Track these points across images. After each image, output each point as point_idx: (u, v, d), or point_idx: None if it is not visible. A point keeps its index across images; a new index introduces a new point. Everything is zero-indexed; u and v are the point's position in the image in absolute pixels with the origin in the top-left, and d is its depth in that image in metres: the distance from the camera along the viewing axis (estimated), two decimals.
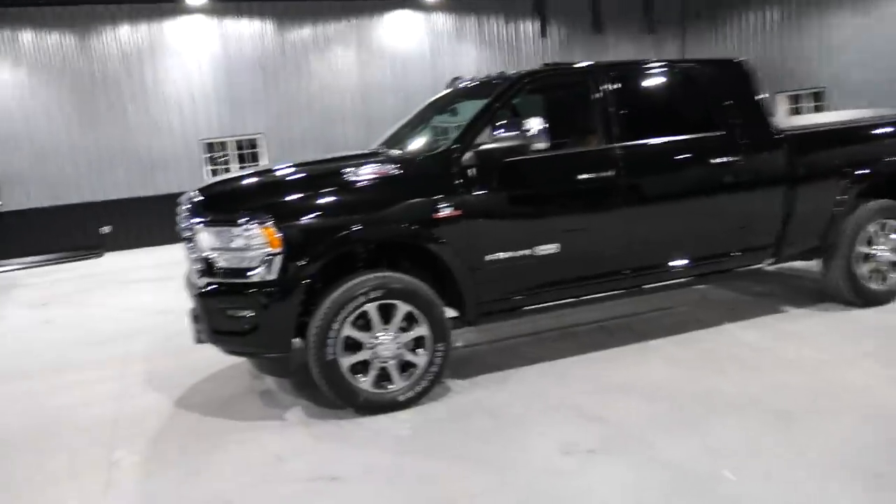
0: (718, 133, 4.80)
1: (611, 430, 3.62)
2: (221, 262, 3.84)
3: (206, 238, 3.87)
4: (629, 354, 4.77)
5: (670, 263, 4.74)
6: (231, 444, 3.74)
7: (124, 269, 10.60)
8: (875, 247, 5.42)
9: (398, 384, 4.01)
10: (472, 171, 4.08)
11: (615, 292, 4.65)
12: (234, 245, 3.78)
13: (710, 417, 3.69)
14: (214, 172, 13.47)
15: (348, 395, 3.91)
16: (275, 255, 3.71)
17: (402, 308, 3.95)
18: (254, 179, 4.41)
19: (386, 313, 3.94)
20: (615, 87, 4.54)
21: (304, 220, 3.80)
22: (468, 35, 14.96)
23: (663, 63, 4.91)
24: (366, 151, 4.93)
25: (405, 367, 4.04)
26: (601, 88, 4.51)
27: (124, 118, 12.97)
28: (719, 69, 5.04)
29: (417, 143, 4.94)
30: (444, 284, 4.16)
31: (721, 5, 15.77)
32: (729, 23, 15.74)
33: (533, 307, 4.42)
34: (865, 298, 5.42)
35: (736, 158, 4.79)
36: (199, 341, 4.32)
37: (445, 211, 4.00)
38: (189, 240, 4.11)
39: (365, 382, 3.95)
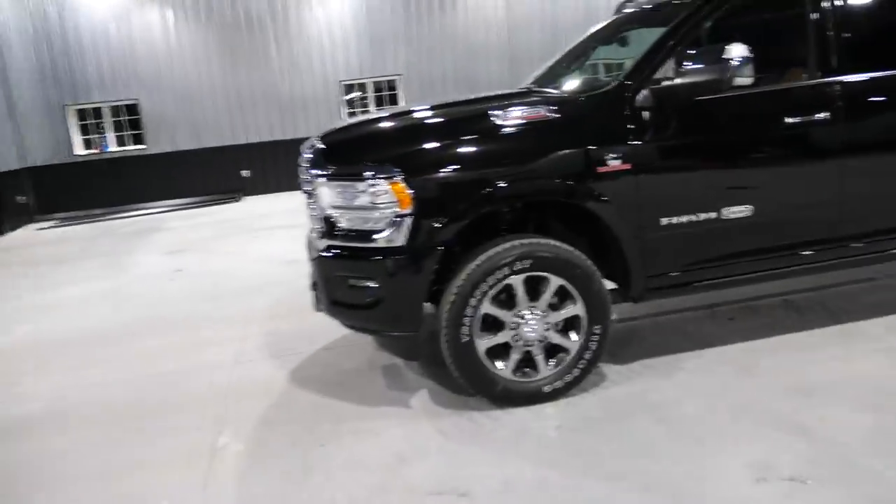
0: None
1: (818, 449, 2.79)
2: (343, 222, 3.29)
3: (327, 194, 3.32)
4: (830, 341, 3.83)
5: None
6: (346, 435, 3.24)
7: (261, 215, 10.59)
8: None
9: (543, 372, 3.35)
10: (647, 115, 3.25)
11: (822, 264, 3.68)
12: (357, 203, 3.20)
13: None
14: (352, 115, 13.21)
15: (484, 382, 3.30)
16: (405, 215, 3.09)
17: (554, 281, 3.25)
18: (383, 125, 3.76)
19: (533, 287, 3.26)
20: (832, 4, 3.48)
21: (441, 174, 3.14)
22: None
23: None
24: (515, 91, 4.17)
25: (553, 351, 3.37)
26: (816, 6, 3.47)
27: (266, 60, 12.88)
28: None
29: (576, 81, 4.13)
30: (605, 253, 3.42)
31: None
32: None
33: (714, 282, 3.56)
34: None
35: None
36: (318, 310, 3.87)
37: (612, 163, 3.21)
38: (309, 194, 3.60)
39: (504, 369, 3.32)
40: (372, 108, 13.29)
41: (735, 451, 2.85)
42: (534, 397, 3.35)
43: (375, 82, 13.19)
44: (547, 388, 3.35)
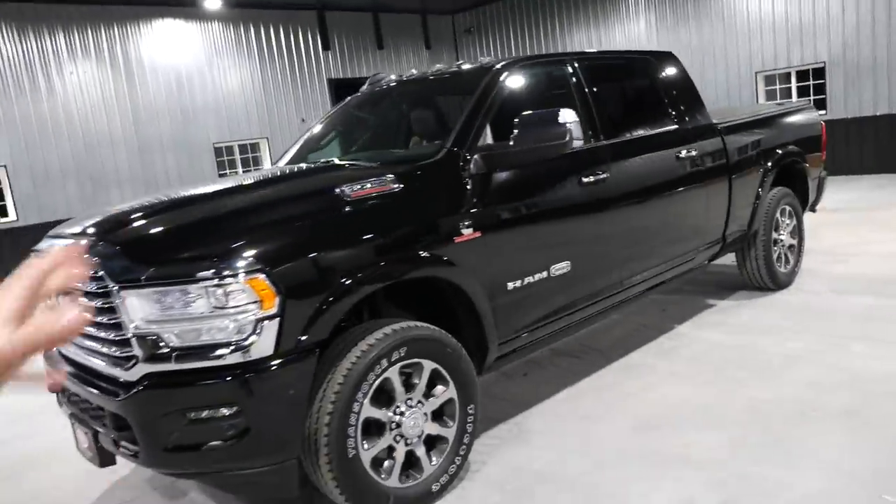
0: (673, 125, 4.48)
1: (712, 473, 2.99)
2: (173, 339, 2.48)
3: (141, 305, 2.48)
4: (622, 376, 4.20)
5: (652, 269, 4.27)
6: None
7: None
8: (780, 232, 5.56)
9: (428, 469, 2.97)
10: (483, 180, 3.21)
11: (613, 305, 4.05)
12: (196, 311, 2.45)
13: (797, 430, 3.24)
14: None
15: (372, 499, 2.78)
16: (269, 317, 2.47)
17: (427, 367, 2.94)
18: (205, 208, 3.01)
19: (405, 377, 2.90)
20: (593, 78, 3.95)
21: (309, 261, 2.60)
22: (244, 45, 13.47)
23: (623, 53, 4.47)
24: (316, 165, 3.74)
25: (430, 444, 3.02)
26: (581, 79, 3.89)
27: None
28: (659, 60, 4.72)
29: (373, 153, 3.88)
30: (454, 328, 3.22)
31: (484, 22, 16.27)
32: (492, 36, 16.28)
33: (551, 337, 3.64)
34: (777, 283, 5.52)
35: (694, 152, 4.49)
36: (105, 464, 2.89)
37: (465, 231, 3.06)
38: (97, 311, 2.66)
39: (391, 478, 2.85)
40: None
41: (654, 496, 2.88)
42: (424, 499, 2.95)
43: None
44: (435, 487, 2.98)
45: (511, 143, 3.23)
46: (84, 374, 2.85)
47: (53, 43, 11.30)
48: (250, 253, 2.49)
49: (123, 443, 2.66)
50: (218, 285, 2.43)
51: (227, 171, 13.43)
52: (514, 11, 15.68)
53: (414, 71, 4.43)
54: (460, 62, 4.04)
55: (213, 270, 2.44)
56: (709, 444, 3.26)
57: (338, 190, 2.89)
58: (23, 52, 11.00)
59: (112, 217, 2.91)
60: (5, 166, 10.89)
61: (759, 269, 5.41)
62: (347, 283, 2.65)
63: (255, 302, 2.45)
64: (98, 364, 2.73)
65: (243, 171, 13.39)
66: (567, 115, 3.17)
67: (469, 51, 16.55)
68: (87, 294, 2.62)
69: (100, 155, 11.76)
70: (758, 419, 3.45)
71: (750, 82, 12.70)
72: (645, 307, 5.40)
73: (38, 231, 10.96)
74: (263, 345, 2.47)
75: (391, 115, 4.37)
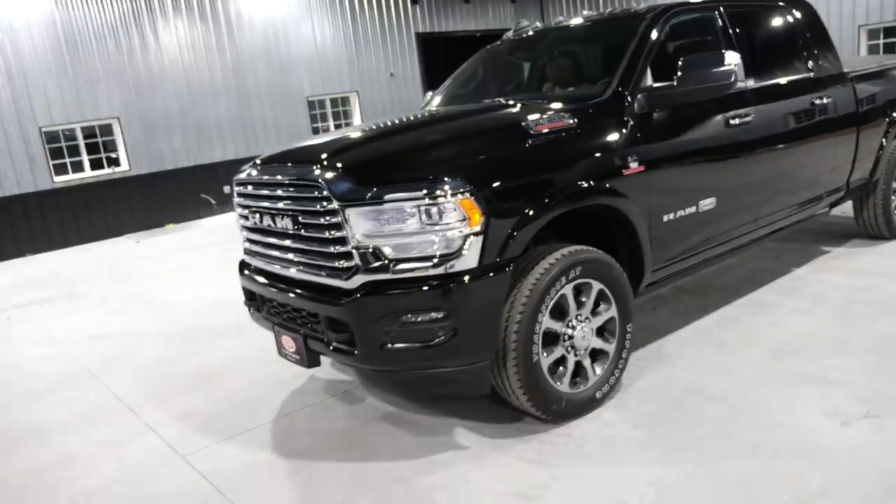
0: (809, 72, 4.62)
1: (851, 391, 3.25)
2: (389, 251, 2.87)
3: (363, 221, 2.87)
4: (750, 312, 4.43)
5: (789, 208, 4.50)
6: (431, 495, 2.84)
7: None
8: None
9: (592, 379, 3.32)
10: (645, 119, 3.49)
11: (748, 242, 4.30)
12: (411, 227, 2.83)
13: None
14: None
15: (548, 401, 3.15)
16: (475, 233, 2.83)
17: (595, 287, 3.27)
18: (411, 137, 3.43)
19: (576, 296, 3.23)
20: (737, 23, 4.16)
21: (506, 185, 2.95)
22: (335, 2, 13.80)
23: (760, 2, 4.64)
24: (491, 104, 4.11)
25: (593, 357, 3.36)
26: (727, 24, 4.10)
27: None
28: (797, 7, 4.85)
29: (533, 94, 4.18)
30: (615, 255, 3.52)
31: None
32: None
33: (694, 267, 3.93)
34: (893, 232, 5.61)
35: (828, 99, 4.63)
36: (312, 364, 3.32)
37: (633, 165, 3.35)
38: (302, 226, 3.08)
39: (563, 384, 3.21)
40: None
41: (798, 406, 3.17)
42: (588, 405, 3.30)
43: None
44: (598, 395, 3.33)
45: (675, 83, 3.47)
46: (294, 286, 3.27)
47: None
48: (459, 176, 2.84)
49: (337, 344, 3.08)
50: (432, 204, 2.80)
51: (320, 125, 13.91)
52: None
53: (560, 18, 4.67)
54: (610, 9, 4.27)
55: (427, 190, 2.80)
56: (845, 368, 3.51)
57: (523, 123, 3.21)
58: (131, 5, 11.57)
59: (330, 145, 3.30)
60: (118, 118, 11.60)
61: (878, 217, 5.51)
62: (539, 206, 2.99)
63: (464, 220, 2.81)
64: (313, 277, 3.14)
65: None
66: (731, 58, 3.39)
67: (554, 6, 16.47)
68: (310, 213, 3.02)
69: (203, 105, 12.35)
70: (888, 349, 3.67)
71: (852, 36, 12.32)
72: (760, 253, 5.58)
73: (148, 180, 11.74)
74: (470, 258, 2.84)
75: (539, 60, 4.64)
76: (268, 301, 3.58)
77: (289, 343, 3.39)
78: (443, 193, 2.80)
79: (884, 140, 5.30)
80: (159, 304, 6.64)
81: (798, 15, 4.85)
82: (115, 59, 11.45)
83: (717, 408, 3.26)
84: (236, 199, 3.63)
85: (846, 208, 5.73)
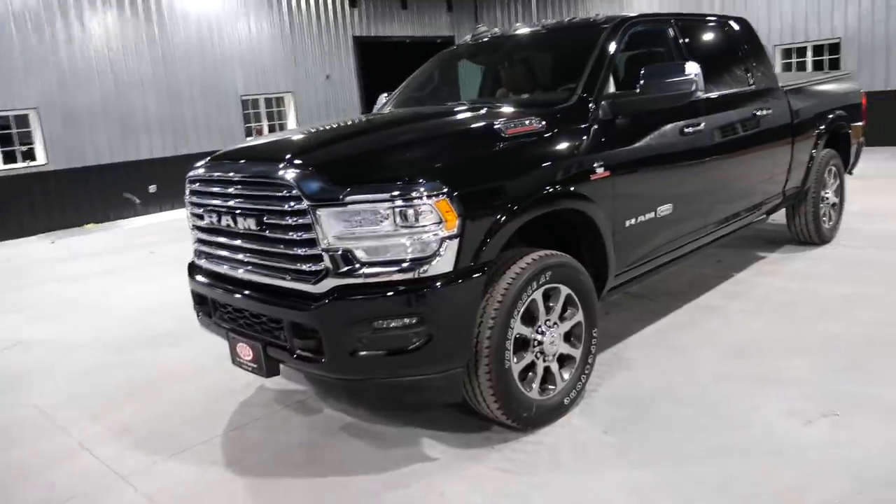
0: (750, 85, 4.78)
1: (806, 391, 3.35)
2: (361, 254, 2.75)
3: (334, 223, 2.74)
4: (700, 316, 4.55)
5: (733, 215, 4.62)
6: None
7: None
8: (826, 191, 5.90)
9: (559, 385, 3.30)
10: (608, 126, 3.50)
11: (697, 248, 4.40)
12: (384, 230, 2.72)
13: (872, 355, 3.63)
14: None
15: (519, 408, 3.09)
16: (451, 237, 2.75)
17: (564, 292, 3.24)
18: (380, 136, 3.30)
19: (544, 300, 3.20)
20: (688, 36, 4.25)
21: (483, 187, 2.88)
22: (272, 1, 13.46)
23: (708, 16, 4.77)
24: (455, 106, 4.02)
25: (561, 362, 3.34)
26: (679, 37, 4.18)
27: None
28: (738, 24, 5.01)
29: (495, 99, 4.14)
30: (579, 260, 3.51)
31: None
32: (513, 1, 16.35)
33: (651, 272, 3.97)
34: (822, 238, 5.89)
35: (767, 111, 4.79)
36: (271, 373, 3.17)
37: (599, 171, 3.35)
38: (262, 228, 2.93)
39: (532, 390, 3.17)
40: None
41: (761, 406, 3.24)
42: (557, 411, 3.27)
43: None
44: (566, 400, 3.31)
45: (637, 91, 3.50)
46: (254, 290, 3.11)
47: None
48: (436, 178, 2.75)
49: (301, 351, 2.93)
50: (408, 206, 2.70)
51: (253, 124, 13.52)
52: None
53: (518, 25, 4.66)
54: (571, 18, 4.29)
55: (403, 192, 2.70)
56: (796, 367, 3.63)
57: (495, 126, 3.15)
58: None
59: (297, 142, 3.14)
60: (36, 109, 10.91)
61: (808, 224, 5.77)
62: (514, 209, 2.94)
63: (440, 222, 2.73)
64: (276, 280, 2.99)
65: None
66: (692, 68, 3.44)
67: (490, 14, 16.61)
68: (276, 213, 2.87)
69: (129, 99, 11.80)
70: (833, 348, 3.83)
71: (770, 54, 12.93)
72: (702, 259, 5.72)
73: (67, 176, 11.09)
74: (445, 262, 2.76)
75: (497, 65, 4.60)
76: (221, 306, 3.39)
77: (245, 351, 3.22)
78: (419, 195, 2.70)
79: (814, 151, 5.55)
80: (84, 309, 6.23)
81: (738, 30, 5.02)
82: (35, 48, 10.78)
83: (684, 409, 3.29)
84: (189, 198, 3.42)
85: (777, 216, 5.96)
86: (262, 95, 13.52)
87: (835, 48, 12.29)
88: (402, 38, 15.44)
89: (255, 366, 3.18)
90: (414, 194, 2.70)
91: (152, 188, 12.12)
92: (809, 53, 12.66)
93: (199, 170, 3.39)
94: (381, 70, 14.84)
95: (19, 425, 3.85)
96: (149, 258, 8.35)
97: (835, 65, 12.29)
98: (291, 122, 13.96)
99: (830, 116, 5.73)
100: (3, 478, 3.30)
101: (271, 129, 13.74)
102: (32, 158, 11.11)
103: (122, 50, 11.66)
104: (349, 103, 14.63)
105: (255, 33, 13.16)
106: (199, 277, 3.49)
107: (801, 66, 12.78)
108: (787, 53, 12.96)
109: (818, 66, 12.59)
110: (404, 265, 2.74)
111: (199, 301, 3.55)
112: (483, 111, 3.63)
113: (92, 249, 9.32)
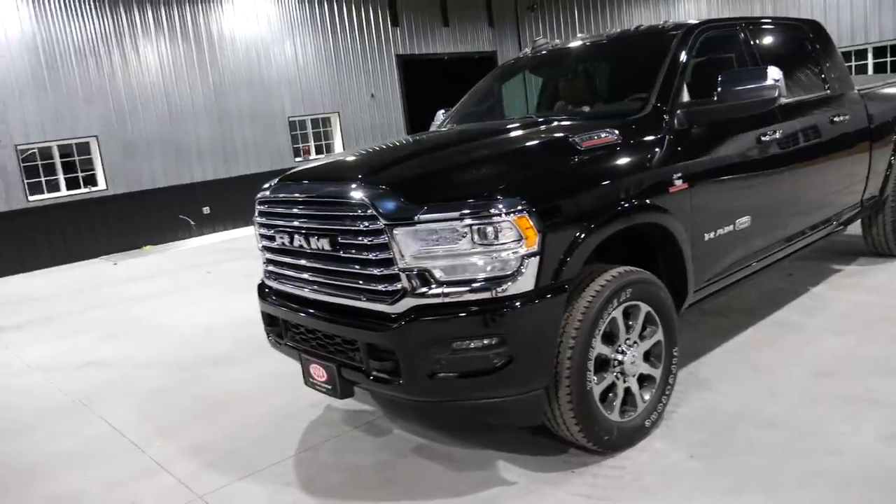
0: (826, 91, 4.60)
1: None
2: (439, 273, 2.69)
3: (411, 242, 2.69)
4: (778, 333, 4.34)
5: (811, 226, 4.44)
6: None
7: None
8: None
9: (640, 406, 3.17)
10: (684, 135, 3.39)
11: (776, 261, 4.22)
12: (463, 248, 2.65)
13: None
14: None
15: (600, 431, 2.98)
16: (531, 254, 2.67)
17: (644, 309, 3.12)
18: (454, 152, 3.26)
19: (624, 319, 3.09)
20: (761, 41, 4.12)
21: (563, 203, 2.80)
22: (318, 21, 13.65)
23: (778, 20, 4.62)
24: (523, 119, 3.97)
25: (641, 383, 3.21)
26: (751, 42, 4.06)
27: None
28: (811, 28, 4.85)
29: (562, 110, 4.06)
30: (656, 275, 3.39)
31: (548, 1, 16.27)
32: (554, 13, 16.27)
33: (729, 287, 3.82)
34: None
35: (845, 117, 4.60)
36: (345, 395, 3.11)
37: (677, 182, 3.24)
38: (337, 249, 2.89)
39: (613, 412, 3.05)
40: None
41: (855, 430, 3.05)
42: (638, 434, 3.15)
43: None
44: (647, 423, 3.18)
45: (714, 98, 3.38)
46: (328, 311, 3.07)
47: (142, 16, 11.58)
48: (515, 194, 2.68)
49: (378, 373, 2.87)
50: (487, 223, 2.63)
51: (300, 145, 13.68)
52: None
53: (580, 35, 4.59)
54: (637, 26, 4.19)
55: (482, 209, 2.64)
56: (892, 389, 3.41)
57: (570, 139, 3.07)
58: (113, 25, 11.30)
59: (368, 160, 3.11)
60: (97, 136, 11.23)
61: (886, 235, 5.50)
62: (594, 224, 2.84)
63: (520, 240, 2.65)
64: (351, 301, 2.94)
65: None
66: (774, 73, 3.31)
67: (532, 29, 16.57)
68: (351, 232, 2.84)
69: (183, 126, 12.06)
70: None
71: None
72: (771, 273, 5.50)
73: (125, 200, 11.36)
74: (526, 280, 2.67)
75: (561, 77, 4.53)
76: (293, 327, 3.37)
77: (318, 372, 3.18)
78: (497, 212, 2.63)
79: (892, 158, 5.30)
80: (149, 328, 6.32)
81: (811, 33, 4.84)
82: (94, 78, 11.13)
83: (772, 434, 3.12)
84: (259, 219, 3.41)
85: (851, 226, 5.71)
86: (308, 116, 13.68)
87: None
88: (443, 55, 15.49)
89: (329, 387, 3.14)
90: (492, 211, 2.63)
91: (206, 210, 12.34)
92: (870, 56, 12.25)
93: (268, 191, 3.38)
94: (424, 87, 14.94)
95: (97, 443, 3.90)
96: (206, 278, 8.46)
97: None
98: (338, 142, 14.09)
99: None
100: (86, 496, 3.33)
101: (318, 150, 13.88)
102: (94, 184, 11.42)
103: (175, 77, 11.95)
104: (394, 121, 14.71)
105: (300, 55, 13.35)
106: (270, 298, 3.48)
107: (861, 70, 12.37)
108: (845, 57, 12.54)
109: (880, 68, 12.16)
110: (484, 284, 2.67)
111: (270, 322, 3.53)
112: (553, 124, 3.56)
113: (151, 270, 9.50)
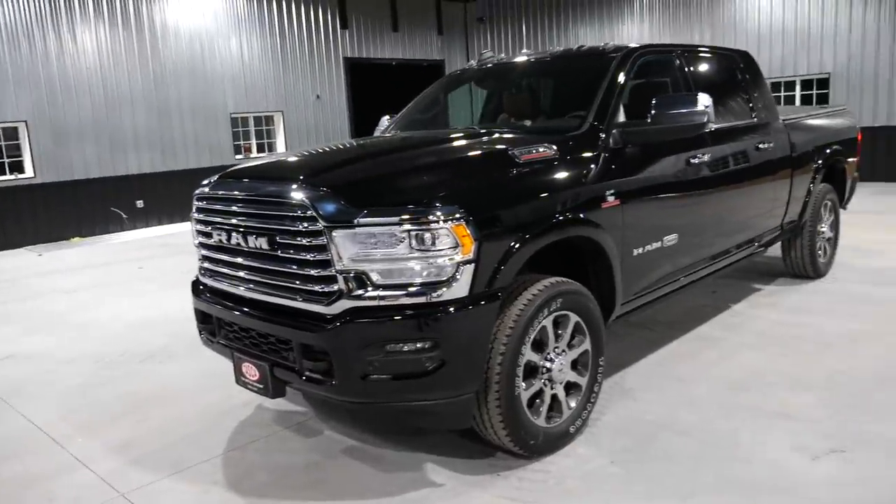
0: (753, 118, 4.85)
1: (813, 426, 3.35)
2: (376, 277, 2.74)
3: (349, 245, 2.72)
4: (699, 346, 4.55)
5: (734, 246, 4.66)
6: None
7: None
8: (822, 225, 5.98)
9: (566, 413, 3.28)
10: (618, 154, 3.53)
11: (699, 278, 4.41)
12: (400, 253, 2.71)
13: (879, 393, 3.63)
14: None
15: (527, 436, 3.07)
16: (467, 262, 2.74)
17: (573, 319, 3.24)
18: (394, 159, 3.31)
19: (554, 328, 3.20)
20: (694, 68, 4.30)
21: (498, 213, 2.88)
22: (265, 18, 13.50)
23: (712, 48, 4.83)
24: (466, 130, 4.03)
25: (567, 390, 3.32)
26: (686, 68, 4.23)
27: None
28: (742, 58, 5.09)
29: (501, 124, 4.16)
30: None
31: (497, 12, 16.53)
32: (503, 27, 16.54)
33: (654, 301, 3.98)
34: (817, 271, 5.95)
35: (769, 144, 4.86)
36: (277, 395, 3.12)
37: (610, 199, 3.37)
38: (274, 248, 2.90)
39: (539, 418, 3.15)
40: None
41: (766, 441, 3.23)
42: (562, 440, 3.25)
43: None
44: (572, 429, 3.29)
45: (648, 120, 3.53)
46: (263, 310, 3.07)
47: None
48: (453, 202, 2.75)
49: (310, 373, 2.89)
50: (425, 229, 2.69)
51: (242, 142, 13.49)
52: (526, 4, 15.95)
53: (524, 51, 4.71)
54: (579, 46, 4.33)
55: (420, 215, 2.70)
56: (803, 403, 3.63)
57: (510, 151, 3.16)
58: (49, 6, 10.92)
59: (309, 162, 3.13)
60: (25, 122, 10.82)
61: (804, 257, 5.82)
62: (529, 235, 2.94)
63: (456, 247, 2.72)
64: (287, 301, 2.95)
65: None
66: (704, 100, 3.49)
67: (481, 40, 16.78)
68: (290, 233, 2.85)
69: (119, 115, 11.74)
70: (839, 384, 3.83)
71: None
72: (696, 290, 5.75)
73: (55, 189, 10.98)
74: (461, 287, 2.74)
75: (503, 91, 4.64)
76: (227, 325, 3.35)
77: (251, 371, 3.17)
78: (435, 219, 2.70)
79: (811, 185, 5.62)
80: (76, 323, 6.13)
81: (742, 63, 5.10)
82: (27, 60, 10.72)
83: (689, 442, 3.28)
84: (196, 215, 3.38)
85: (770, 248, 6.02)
86: (251, 114, 13.51)
87: (823, 83, 12.54)
88: (391, 61, 15.54)
89: (260, 386, 3.13)
90: (430, 217, 2.70)
91: (140, 203, 12.03)
92: (798, 88, 12.90)
93: (206, 187, 3.36)
94: (371, 92, 14.96)
95: (13, 440, 3.77)
96: (137, 273, 8.25)
97: (823, 99, 12.53)
98: (280, 142, 13.95)
99: (828, 151, 5.82)
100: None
101: (260, 149, 13.71)
102: (21, 171, 10.98)
103: (113, 64, 11.62)
104: (339, 124, 14.66)
105: (245, 51, 13.18)
106: (205, 295, 3.45)
107: (790, 100, 13.01)
108: (775, 87, 13.19)
109: (806, 100, 12.82)
110: (419, 289, 2.72)
111: (203, 319, 3.50)
112: (494, 136, 3.65)
113: (79, 263, 9.20)
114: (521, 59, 4.53)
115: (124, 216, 11.84)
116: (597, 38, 14.87)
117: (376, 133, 4.76)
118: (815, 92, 12.70)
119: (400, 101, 5.37)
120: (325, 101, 14.48)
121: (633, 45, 4.05)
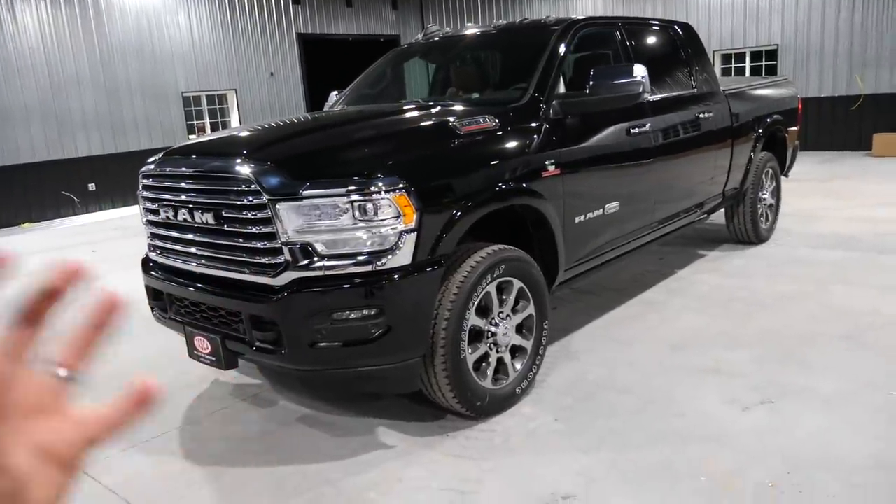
0: (693, 89, 5.00)
1: (744, 380, 3.55)
2: (322, 247, 2.81)
3: (294, 217, 2.79)
4: (643, 310, 4.73)
5: (675, 214, 4.82)
6: (364, 495, 2.82)
7: None
8: (764, 192, 6.21)
9: (512, 374, 3.41)
10: (558, 125, 3.63)
11: (642, 245, 4.57)
12: (345, 223, 2.79)
13: (807, 349, 3.85)
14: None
15: (473, 397, 3.20)
16: (409, 231, 2.83)
17: (516, 285, 3.36)
18: (340, 132, 3.35)
19: (498, 293, 3.32)
20: (635, 40, 4.42)
21: (440, 182, 2.97)
22: None
23: (654, 21, 4.94)
24: (410, 104, 4.08)
25: (513, 353, 3.46)
26: (627, 40, 4.35)
27: None
28: (682, 29, 5.23)
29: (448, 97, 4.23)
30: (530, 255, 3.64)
31: None
32: (460, 2, 16.50)
33: (597, 267, 4.12)
34: (759, 237, 6.19)
35: (710, 114, 5.03)
36: (230, 366, 3.19)
37: (550, 168, 3.48)
38: (221, 222, 2.96)
39: (486, 380, 3.28)
40: None
41: (700, 395, 3.42)
42: (509, 400, 3.39)
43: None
44: (518, 390, 3.43)
45: (587, 91, 3.65)
46: (212, 284, 3.13)
47: None
48: (394, 173, 2.83)
49: (261, 343, 2.97)
50: (366, 199, 2.77)
51: (195, 122, 13.29)
52: None
53: (469, 25, 4.77)
54: (522, 19, 4.42)
55: (363, 186, 2.78)
56: (735, 360, 3.83)
57: (451, 123, 3.25)
58: None
59: (254, 137, 3.17)
60: None
61: (746, 224, 6.05)
62: (470, 204, 3.04)
63: (398, 216, 2.81)
64: (235, 274, 3.02)
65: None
66: (639, 70, 3.61)
67: (436, 13, 16.71)
68: (235, 207, 2.91)
69: (66, 96, 11.44)
70: (771, 341, 4.04)
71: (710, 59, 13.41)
72: (644, 257, 5.95)
73: (1, 174, 10.69)
74: (404, 255, 2.84)
75: (449, 64, 4.71)
76: (178, 300, 3.40)
77: (203, 344, 3.23)
78: (377, 189, 2.78)
79: (752, 153, 5.83)
80: None
81: (682, 35, 5.25)
82: None
83: (628, 399, 3.45)
84: (143, 193, 3.41)
85: (715, 216, 6.23)
86: (203, 93, 13.30)
87: (772, 55, 12.84)
88: (346, 36, 15.41)
89: (213, 359, 3.20)
90: (373, 188, 2.78)
91: (91, 186, 11.81)
92: (748, 59, 13.18)
93: (152, 165, 3.38)
94: (325, 68, 14.83)
95: None
96: (90, 257, 8.15)
97: (771, 70, 12.83)
98: (234, 120, 13.78)
99: (768, 120, 6.03)
100: None
101: (214, 127, 13.54)
102: None
103: (57, 43, 11.30)
104: (294, 101, 14.53)
105: (195, 28, 12.94)
106: (154, 272, 3.48)
107: (740, 71, 13.29)
108: (726, 59, 13.47)
109: (756, 71, 13.11)
110: (363, 258, 2.81)
111: (155, 296, 3.54)
112: (437, 109, 3.73)
113: (31, 249, 9.03)
114: (466, 32, 4.61)
115: (76, 200, 11.63)
116: (552, 11, 14.94)
117: (325, 108, 4.80)
118: (763, 63, 12.99)
119: (357, 77, 5.40)
120: (280, 79, 14.33)
121: (573, 17, 4.15)
